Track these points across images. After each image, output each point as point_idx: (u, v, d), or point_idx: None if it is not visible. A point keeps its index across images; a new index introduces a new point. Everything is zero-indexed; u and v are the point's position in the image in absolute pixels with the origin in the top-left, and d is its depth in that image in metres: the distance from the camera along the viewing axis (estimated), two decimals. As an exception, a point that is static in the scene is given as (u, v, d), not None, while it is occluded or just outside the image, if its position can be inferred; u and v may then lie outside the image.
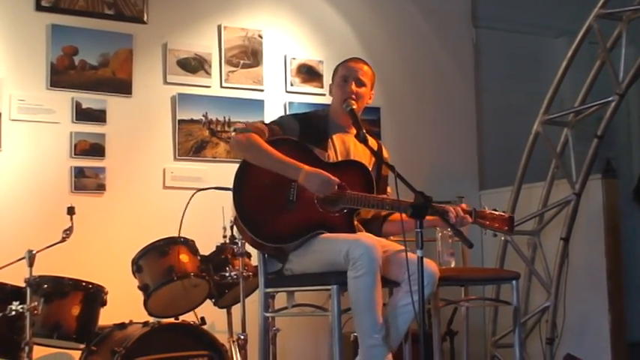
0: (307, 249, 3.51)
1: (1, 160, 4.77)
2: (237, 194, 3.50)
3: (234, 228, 4.28)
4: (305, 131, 3.64)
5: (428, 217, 3.18)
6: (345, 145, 3.71)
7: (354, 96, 3.66)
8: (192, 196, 4.30)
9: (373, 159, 3.73)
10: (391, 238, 4.05)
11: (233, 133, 3.63)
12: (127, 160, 5.09)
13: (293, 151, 3.56)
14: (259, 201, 3.50)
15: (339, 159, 3.67)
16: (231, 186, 3.53)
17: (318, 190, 3.44)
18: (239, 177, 3.52)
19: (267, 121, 3.73)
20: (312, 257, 3.49)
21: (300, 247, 3.52)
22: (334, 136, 3.71)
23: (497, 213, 3.69)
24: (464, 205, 3.65)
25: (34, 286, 3.91)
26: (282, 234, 3.50)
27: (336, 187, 3.46)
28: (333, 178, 3.44)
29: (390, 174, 3.46)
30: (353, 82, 3.69)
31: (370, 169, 3.69)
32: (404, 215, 3.38)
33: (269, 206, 3.49)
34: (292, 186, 3.50)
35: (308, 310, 3.90)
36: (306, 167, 3.45)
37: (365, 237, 3.43)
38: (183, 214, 4.23)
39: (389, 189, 3.79)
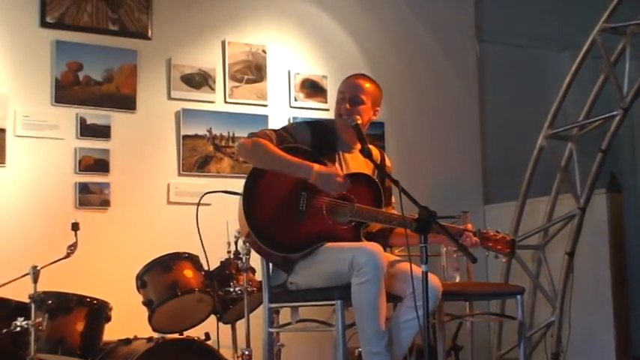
0: (313, 260, 3.49)
1: (6, 176, 4.78)
2: (247, 202, 3.48)
3: (239, 243, 4.27)
4: (316, 141, 3.62)
5: (432, 237, 3.19)
6: (348, 164, 3.69)
7: (344, 114, 3.64)
8: (202, 197, 4.30)
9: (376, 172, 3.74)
10: (396, 252, 4.05)
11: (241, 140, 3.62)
12: (131, 175, 5.09)
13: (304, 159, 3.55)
14: (269, 210, 3.48)
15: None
16: (237, 198, 3.53)
17: (330, 188, 3.44)
18: (249, 186, 3.51)
19: (277, 128, 3.70)
20: (318, 269, 3.48)
21: (307, 257, 3.51)
22: (340, 152, 3.70)
23: (500, 235, 3.66)
24: (469, 226, 3.63)
25: (39, 302, 3.90)
26: (290, 244, 3.49)
27: (348, 184, 3.44)
28: (344, 177, 3.43)
29: (393, 187, 3.46)
30: (348, 101, 3.67)
31: None
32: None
33: (279, 216, 3.48)
34: (302, 196, 3.49)
35: (312, 325, 3.89)
36: (317, 166, 3.44)
37: (370, 245, 3.43)
38: (197, 213, 4.24)
39: (393, 199, 3.79)
